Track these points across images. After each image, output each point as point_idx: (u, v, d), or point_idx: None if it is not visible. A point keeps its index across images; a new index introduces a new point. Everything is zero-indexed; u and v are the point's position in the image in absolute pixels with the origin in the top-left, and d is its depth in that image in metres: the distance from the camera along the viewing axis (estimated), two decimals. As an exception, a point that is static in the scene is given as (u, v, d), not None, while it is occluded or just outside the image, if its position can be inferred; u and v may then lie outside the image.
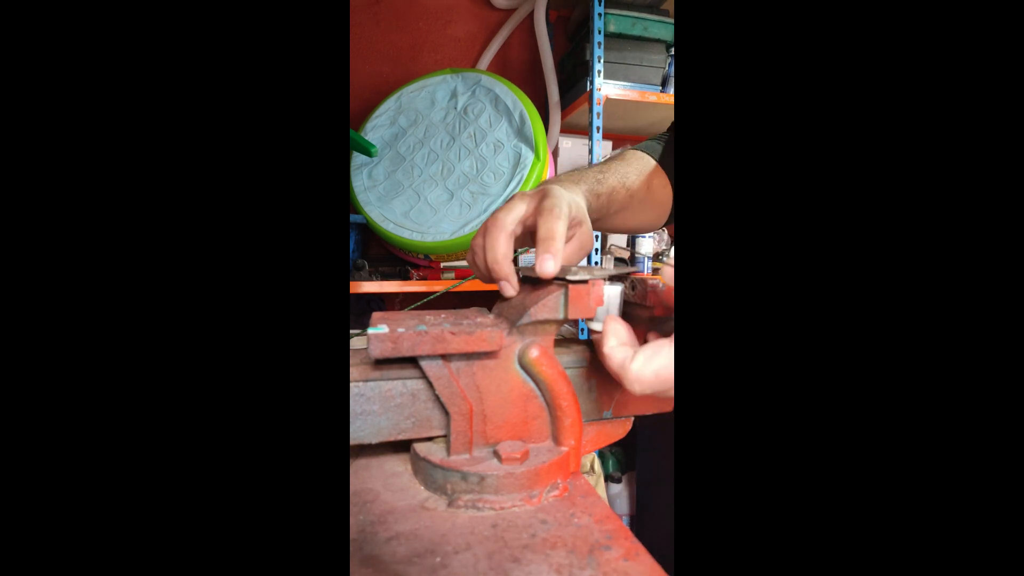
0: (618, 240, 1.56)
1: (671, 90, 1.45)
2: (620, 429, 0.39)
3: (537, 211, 0.40)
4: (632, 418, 0.40)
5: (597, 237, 1.39)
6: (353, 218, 1.30)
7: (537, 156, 1.23)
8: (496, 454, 0.34)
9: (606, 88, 1.35)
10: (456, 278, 1.31)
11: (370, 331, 0.33)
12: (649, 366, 0.31)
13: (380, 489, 0.35)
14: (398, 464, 0.38)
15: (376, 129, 1.37)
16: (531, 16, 1.55)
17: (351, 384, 0.34)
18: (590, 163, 1.54)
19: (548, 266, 0.36)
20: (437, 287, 1.30)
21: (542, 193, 0.42)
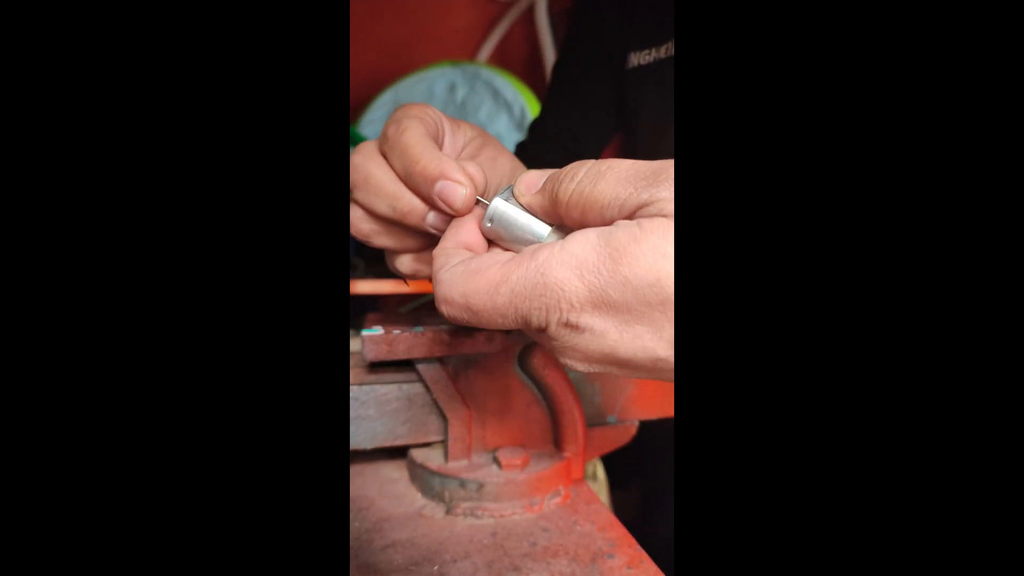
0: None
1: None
2: (625, 434, 0.38)
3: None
4: (637, 423, 0.39)
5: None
6: (350, 213, 1.29)
7: (537, 150, 1.22)
8: (496, 460, 0.34)
9: (607, 81, 1.34)
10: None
11: (364, 333, 0.32)
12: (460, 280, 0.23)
13: (375, 496, 0.34)
14: (394, 471, 0.37)
15: (372, 124, 1.35)
16: (532, 8, 1.54)
17: (345, 388, 0.33)
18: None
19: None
20: (435, 283, 1.29)
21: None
